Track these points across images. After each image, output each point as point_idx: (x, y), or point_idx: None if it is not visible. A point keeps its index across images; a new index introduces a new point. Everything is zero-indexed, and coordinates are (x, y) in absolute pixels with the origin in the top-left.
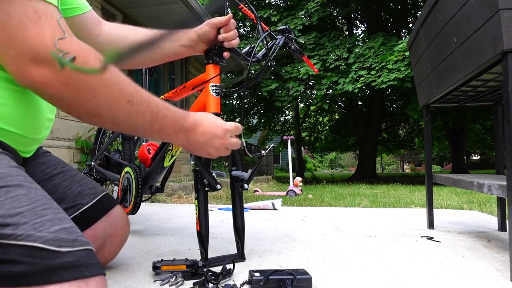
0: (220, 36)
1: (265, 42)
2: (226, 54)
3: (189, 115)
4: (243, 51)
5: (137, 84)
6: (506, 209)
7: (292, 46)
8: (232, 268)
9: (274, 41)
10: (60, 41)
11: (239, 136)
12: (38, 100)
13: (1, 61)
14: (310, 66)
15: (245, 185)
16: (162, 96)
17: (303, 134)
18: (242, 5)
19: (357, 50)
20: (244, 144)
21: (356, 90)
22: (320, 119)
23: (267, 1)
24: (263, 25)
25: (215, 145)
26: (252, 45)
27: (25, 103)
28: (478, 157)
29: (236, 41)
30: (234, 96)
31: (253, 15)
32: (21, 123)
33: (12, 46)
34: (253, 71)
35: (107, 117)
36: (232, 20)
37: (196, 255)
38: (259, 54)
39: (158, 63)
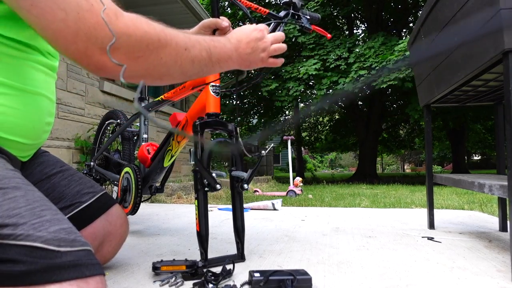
0: None
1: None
2: None
3: (228, 37)
4: None
5: (180, 30)
6: (507, 209)
7: (301, 22)
8: (232, 268)
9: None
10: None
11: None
12: (37, 105)
13: (73, 57)
14: (323, 33)
15: (245, 185)
16: (162, 96)
17: (303, 134)
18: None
19: (357, 50)
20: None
21: (356, 90)
22: (320, 119)
23: (267, 1)
24: (262, 9)
25: (262, 47)
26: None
27: (23, 109)
28: (479, 157)
29: None
30: (234, 96)
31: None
32: (20, 130)
33: (78, 41)
34: (253, 71)
35: (176, 71)
36: (225, 21)
37: (196, 255)
38: None
39: None
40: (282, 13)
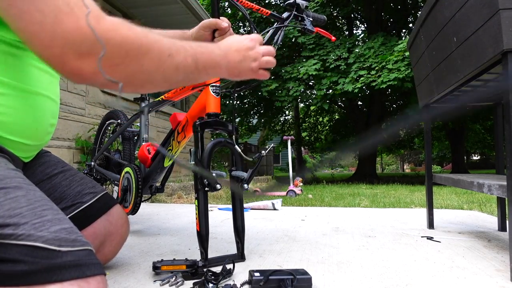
0: (216, 40)
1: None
2: None
3: (217, 44)
4: None
5: (176, 31)
6: (506, 209)
7: (304, 24)
8: (232, 268)
9: (278, 25)
10: (96, 26)
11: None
12: (40, 106)
13: (48, 62)
14: (328, 35)
15: (245, 185)
16: (162, 96)
17: (303, 134)
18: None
19: (357, 50)
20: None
21: (356, 90)
22: (320, 119)
23: (267, 1)
24: (264, 10)
25: (253, 57)
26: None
27: (26, 111)
28: (478, 157)
29: None
30: (233, 96)
31: (249, 5)
32: (23, 131)
33: (54, 45)
34: None
35: (159, 79)
36: (225, 22)
37: (196, 255)
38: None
39: None
40: (284, 15)
